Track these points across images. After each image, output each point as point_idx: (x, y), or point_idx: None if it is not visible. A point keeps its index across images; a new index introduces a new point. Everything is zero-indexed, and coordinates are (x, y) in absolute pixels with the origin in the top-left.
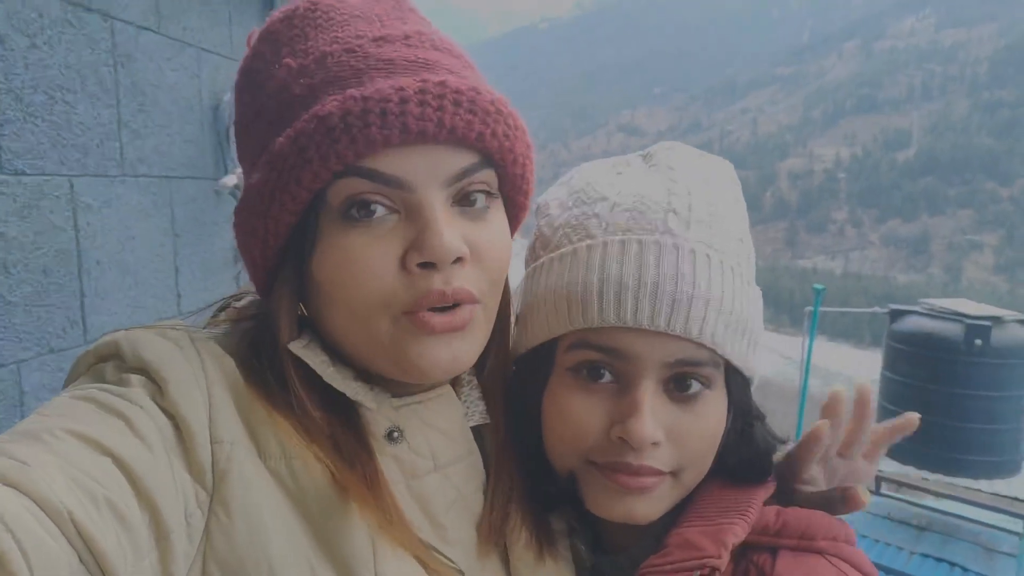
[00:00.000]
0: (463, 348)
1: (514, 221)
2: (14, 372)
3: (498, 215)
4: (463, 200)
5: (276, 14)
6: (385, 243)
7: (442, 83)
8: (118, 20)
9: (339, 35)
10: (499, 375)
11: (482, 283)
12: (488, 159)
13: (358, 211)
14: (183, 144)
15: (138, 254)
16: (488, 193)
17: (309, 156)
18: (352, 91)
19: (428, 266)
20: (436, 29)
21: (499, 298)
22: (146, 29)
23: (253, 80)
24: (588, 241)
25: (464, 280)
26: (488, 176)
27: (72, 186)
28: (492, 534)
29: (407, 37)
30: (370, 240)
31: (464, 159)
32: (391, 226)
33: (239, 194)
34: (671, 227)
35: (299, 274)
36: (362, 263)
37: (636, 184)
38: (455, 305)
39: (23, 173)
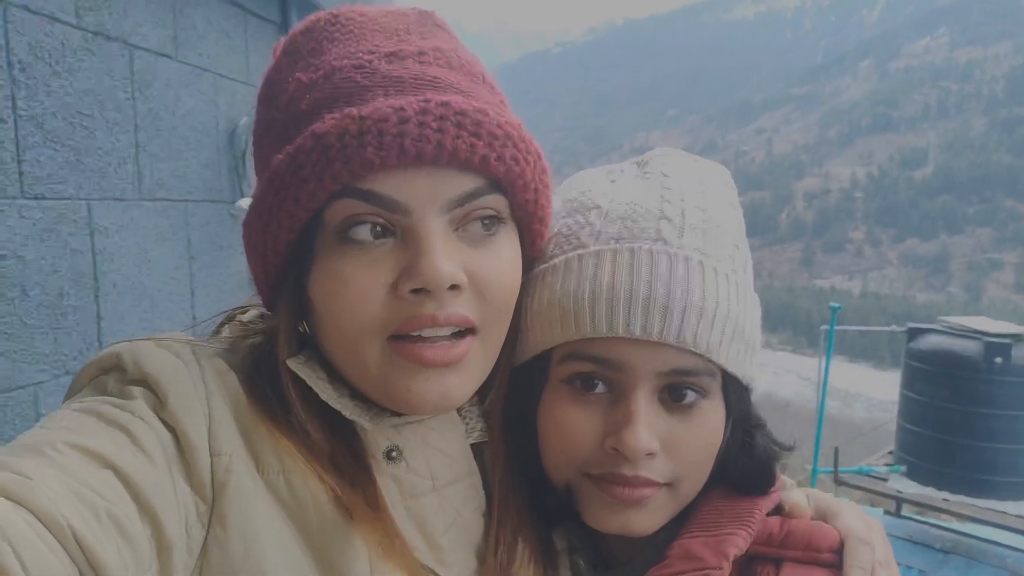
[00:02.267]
0: (455, 384)
1: (530, 248)
2: (32, 394)
3: (506, 242)
4: (468, 225)
5: (299, 25)
6: (378, 267)
7: (445, 104)
8: (137, 48)
9: (352, 49)
10: (502, 399)
11: (483, 312)
12: (496, 184)
13: (353, 233)
14: (199, 168)
15: (154, 277)
16: (496, 219)
17: (305, 175)
18: (351, 109)
19: (421, 292)
20: (460, 46)
21: (504, 329)
22: (164, 56)
23: (269, 92)
24: (580, 251)
25: (460, 307)
26: (496, 201)
27: (90, 210)
28: (499, 572)
29: (421, 53)
30: (364, 264)
31: (467, 183)
32: (386, 250)
33: None
34: (664, 235)
35: (299, 291)
36: (353, 287)
37: (629, 192)
38: (455, 335)
39: (43, 197)
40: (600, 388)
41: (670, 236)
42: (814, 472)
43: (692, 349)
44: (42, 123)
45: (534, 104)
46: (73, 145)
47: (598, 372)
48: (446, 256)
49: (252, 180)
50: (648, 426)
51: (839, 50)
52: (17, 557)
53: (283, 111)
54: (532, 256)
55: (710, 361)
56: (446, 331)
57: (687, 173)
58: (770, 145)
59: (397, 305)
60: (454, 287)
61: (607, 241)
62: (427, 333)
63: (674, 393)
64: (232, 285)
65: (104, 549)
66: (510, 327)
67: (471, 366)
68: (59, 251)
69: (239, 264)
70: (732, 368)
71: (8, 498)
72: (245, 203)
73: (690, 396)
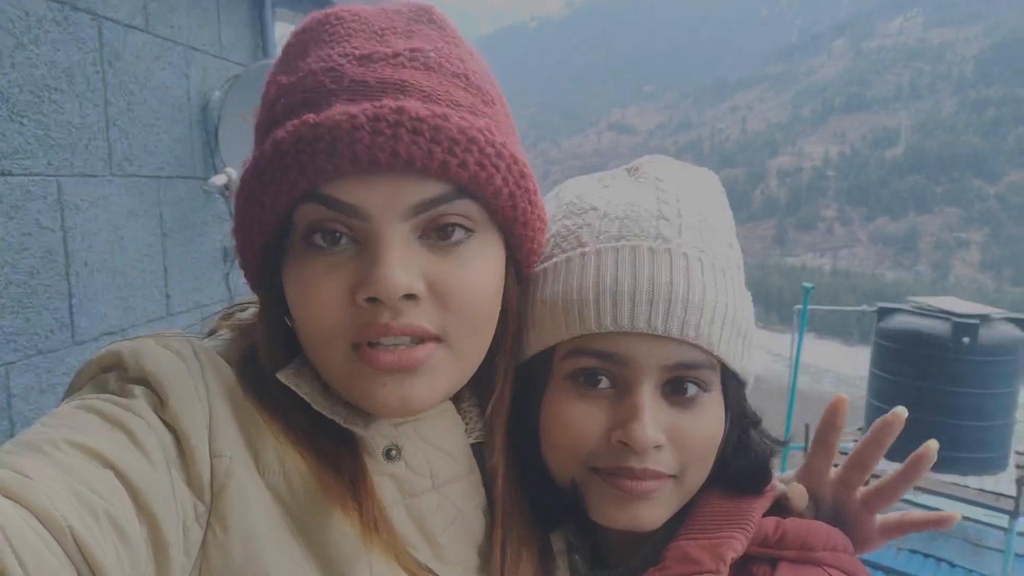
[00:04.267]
0: (417, 389)
1: (520, 251)
2: (2, 375)
3: (478, 250)
4: (436, 233)
5: (300, 24)
6: (339, 273)
7: (399, 109)
8: (106, 19)
9: (330, 52)
10: (505, 400)
11: (445, 321)
12: (463, 190)
13: (319, 238)
14: (172, 143)
15: (127, 255)
16: (465, 227)
17: (267, 180)
18: (308, 116)
19: (375, 301)
20: (450, 43)
21: (476, 337)
22: (134, 28)
23: (264, 91)
24: (581, 249)
25: (416, 317)
26: (466, 208)
27: (59, 186)
28: (500, 570)
29: (396, 55)
30: (326, 269)
31: (429, 189)
32: (347, 256)
33: (228, 194)
34: (663, 233)
35: (278, 294)
36: (315, 293)
37: (625, 194)
38: (419, 342)
39: (10, 173)
40: (604, 383)
41: (669, 234)
42: (785, 449)
43: (695, 342)
44: (8, 97)
45: (510, 79)
46: (41, 120)
47: (602, 367)
48: (402, 265)
49: (225, 156)
50: (654, 419)
51: (814, 29)
52: (16, 556)
53: (264, 113)
54: (530, 260)
55: (711, 355)
56: (405, 339)
57: (679, 177)
58: (744, 123)
59: (356, 312)
60: (411, 297)
61: (607, 240)
62: (386, 341)
63: (676, 387)
64: (206, 262)
65: (102, 549)
66: (511, 329)
67: (437, 372)
68: (28, 229)
69: (212, 241)
70: (731, 362)
71: (7, 497)
72: (218, 179)
73: (692, 390)
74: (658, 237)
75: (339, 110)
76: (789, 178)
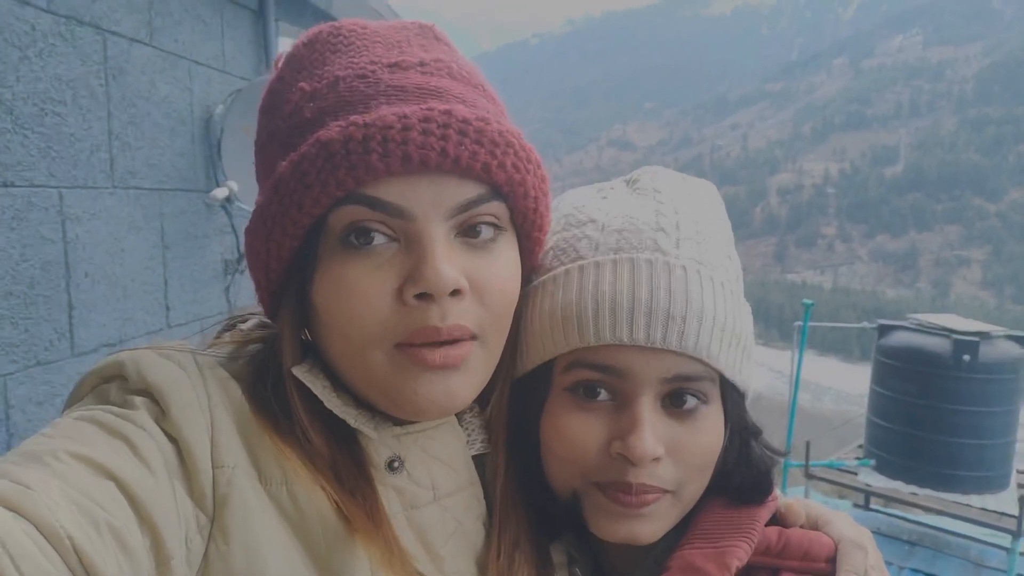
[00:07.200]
0: (459, 385)
1: (529, 255)
2: (0, 386)
3: (506, 249)
4: (468, 232)
5: (301, 38)
6: (382, 273)
7: (447, 111)
8: (110, 33)
9: (355, 60)
10: (504, 410)
11: (483, 318)
12: (497, 191)
13: (357, 238)
14: (174, 157)
15: (127, 266)
16: (496, 226)
17: (310, 181)
18: (355, 117)
19: (424, 297)
20: (460, 58)
21: (503, 335)
22: (138, 42)
23: (272, 102)
24: (580, 262)
25: (461, 315)
26: (496, 208)
27: (61, 198)
28: None
29: (422, 64)
30: (368, 269)
31: (469, 190)
32: (390, 256)
33: (230, 207)
34: (661, 245)
35: (301, 298)
36: (358, 293)
37: (624, 206)
38: (453, 341)
39: (12, 184)
40: (604, 396)
41: (667, 247)
42: (785, 466)
43: (693, 355)
44: (11, 109)
45: (512, 95)
46: (44, 132)
47: (602, 380)
48: (448, 261)
49: (227, 169)
50: (653, 431)
51: (814, 47)
52: (16, 568)
53: (287, 120)
54: (531, 266)
55: (710, 367)
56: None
57: (678, 189)
58: (745, 140)
59: (403, 312)
60: (456, 292)
61: (606, 252)
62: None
63: (676, 399)
64: (206, 275)
65: (103, 561)
66: (510, 337)
67: (472, 368)
68: (29, 239)
69: (213, 254)
70: (731, 373)
71: (8, 508)
72: (219, 192)
73: (691, 402)
74: (656, 250)
75: (387, 111)
76: (789, 195)
